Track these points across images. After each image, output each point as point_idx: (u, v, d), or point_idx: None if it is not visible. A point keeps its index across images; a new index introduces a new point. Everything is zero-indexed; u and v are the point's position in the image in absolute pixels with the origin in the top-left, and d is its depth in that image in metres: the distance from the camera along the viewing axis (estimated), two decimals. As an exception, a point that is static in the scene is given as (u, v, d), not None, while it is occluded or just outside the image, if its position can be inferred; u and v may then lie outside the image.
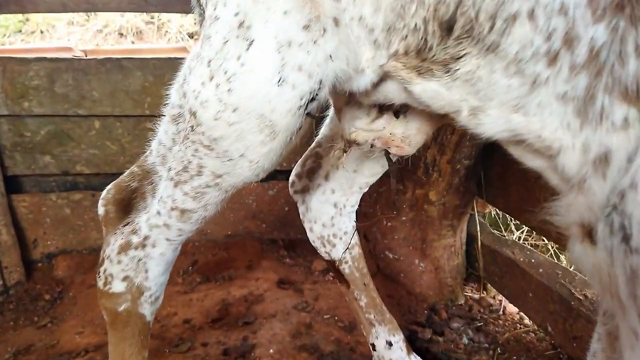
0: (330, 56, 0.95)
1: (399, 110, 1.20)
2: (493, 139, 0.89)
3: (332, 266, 1.70)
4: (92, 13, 4.33)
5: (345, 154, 1.27)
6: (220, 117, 0.99)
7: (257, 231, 2.61)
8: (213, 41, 1.00)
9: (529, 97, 0.81)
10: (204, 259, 2.50)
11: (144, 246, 1.16)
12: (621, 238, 0.66)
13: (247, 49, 0.95)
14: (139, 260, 1.16)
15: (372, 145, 1.21)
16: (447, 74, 0.88)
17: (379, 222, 2.21)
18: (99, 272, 1.21)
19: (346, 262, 1.66)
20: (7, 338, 1.98)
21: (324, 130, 1.62)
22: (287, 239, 2.63)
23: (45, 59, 2.32)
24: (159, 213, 1.14)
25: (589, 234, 0.74)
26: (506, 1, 0.78)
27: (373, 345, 1.68)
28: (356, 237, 1.68)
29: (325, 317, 2.06)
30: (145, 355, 1.21)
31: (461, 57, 0.85)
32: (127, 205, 1.25)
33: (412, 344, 1.80)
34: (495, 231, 2.20)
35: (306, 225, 1.71)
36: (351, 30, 0.95)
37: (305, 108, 0.99)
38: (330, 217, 1.64)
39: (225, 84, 0.97)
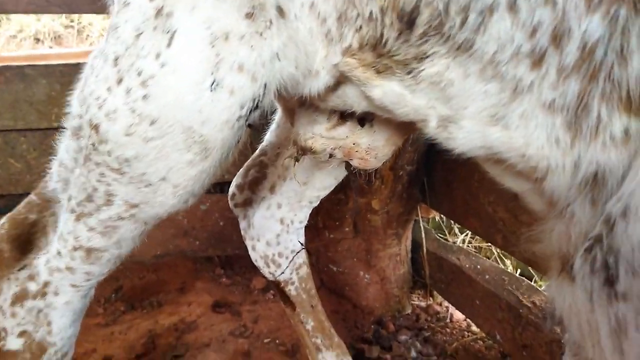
0: (277, 55, 0.78)
1: (365, 118, 1.05)
2: (467, 155, 0.76)
3: (276, 287, 1.55)
4: (5, 17, 3.90)
5: (296, 163, 1.10)
6: (133, 132, 0.79)
7: (189, 249, 2.39)
8: (122, 33, 0.80)
9: (509, 106, 0.67)
10: (129, 283, 2.26)
11: (44, 295, 0.95)
12: (604, 280, 0.55)
13: (169, 43, 0.76)
14: (39, 312, 0.95)
15: (330, 155, 1.05)
16: (409, 75, 0.74)
17: (321, 233, 2.09)
18: (-11, 327, 0.99)
19: (292, 283, 1.52)
20: None
21: (269, 136, 1.45)
22: (224, 256, 2.44)
23: None
24: (59, 253, 0.93)
25: (570, 268, 0.63)
26: None
27: (320, 372, 1.55)
28: (304, 255, 1.54)
29: (265, 341, 1.91)
30: None
31: (427, 56, 0.71)
32: (25, 242, 1.03)
33: (361, 364, 1.69)
34: (439, 236, 2.15)
35: (248, 243, 1.55)
36: (302, 23, 0.79)
37: (247, 119, 0.82)
38: (276, 234, 1.48)
39: (140, 89, 0.78)
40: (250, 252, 1.54)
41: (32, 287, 0.95)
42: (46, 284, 0.95)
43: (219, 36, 0.75)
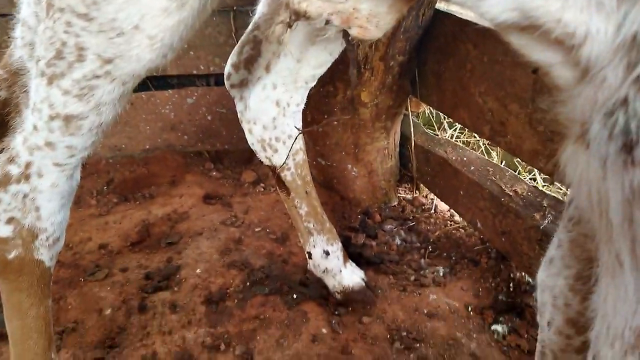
0: None
1: None
2: (497, 21, 0.65)
3: (273, 172, 1.55)
4: None
5: (289, 30, 1.01)
6: None
7: (178, 144, 2.39)
8: None
9: None
10: (120, 176, 2.28)
11: (27, 177, 0.93)
12: (621, 145, 0.51)
13: None
14: (24, 197, 0.95)
15: (327, 22, 0.96)
16: None
17: (309, 126, 2.07)
18: (-24, 214, 0.99)
19: (288, 169, 1.52)
20: None
21: (261, 7, 1.35)
22: (213, 151, 2.44)
23: None
24: (35, 128, 0.89)
25: (586, 133, 0.58)
26: None
27: (309, 254, 1.63)
28: (301, 141, 1.52)
29: (256, 230, 1.98)
30: (48, 304, 1.06)
31: None
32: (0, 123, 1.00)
33: (346, 249, 1.76)
34: (428, 130, 2.14)
35: (244, 126, 1.51)
36: None
37: None
38: (272, 117, 1.45)
39: None
40: (247, 136, 1.51)
41: (14, 170, 0.93)
42: (28, 165, 0.92)
43: None
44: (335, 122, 1.97)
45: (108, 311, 1.59)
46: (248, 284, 1.69)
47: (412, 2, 0.99)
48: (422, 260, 1.87)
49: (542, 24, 0.60)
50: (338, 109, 1.94)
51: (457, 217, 2.06)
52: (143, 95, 2.26)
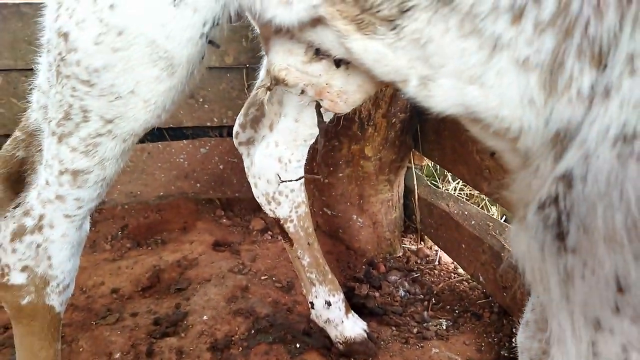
0: None
1: (341, 60, 1.02)
2: (445, 114, 0.75)
3: (277, 224, 1.62)
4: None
5: (268, 92, 1.12)
6: (101, 42, 0.82)
7: (191, 191, 2.48)
8: None
9: (487, 64, 0.66)
10: (134, 222, 2.36)
11: (40, 228, 1.02)
12: (555, 235, 0.57)
13: None
14: (37, 247, 1.03)
15: (302, 91, 1.07)
16: (392, 31, 0.74)
17: (317, 178, 2.14)
18: (-5, 263, 1.07)
19: (291, 221, 1.59)
20: None
21: (263, 73, 1.46)
22: (224, 198, 2.53)
23: None
24: (47, 182, 0.98)
25: (525, 218, 0.66)
26: None
27: (312, 304, 1.66)
28: (303, 195, 1.60)
29: (262, 278, 2.02)
30: (58, 347, 1.12)
31: (409, 9, 0.70)
32: (16, 181, 1.08)
33: (350, 300, 1.80)
34: (432, 183, 2.20)
35: (250, 181, 1.60)
36: None
37: (207, 36, 0.85)
38: (275, 173, 1.53)
39: None
40: (253, 190, 1.60)
41: (29, 222, 1.02)
42: (41, 217, 1.01)
43: None
44: (340, 175, 2.04)
45: (117, 355, 1.63)
46: (253, 331, 1.72)
47: (379, 87, 1.08)
48: (425, 313, 1.89)
49: (483, 118, 0.68)
50: (343, 162, 2.02)
51: (460, 270, 2.08)
52: (159, 145, 2.37)
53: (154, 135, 2.39)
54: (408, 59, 0.74)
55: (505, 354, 1.70)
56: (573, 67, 0.60)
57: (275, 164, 1.49)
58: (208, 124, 2.37)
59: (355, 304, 1.83)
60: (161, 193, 2.45)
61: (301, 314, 1.83)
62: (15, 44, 2.10)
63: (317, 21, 0.87)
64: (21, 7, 2.07)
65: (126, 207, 2.43)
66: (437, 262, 2.15)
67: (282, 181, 1.45)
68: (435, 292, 1.99)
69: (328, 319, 1.64)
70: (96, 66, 0.84)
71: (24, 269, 1.04)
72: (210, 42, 0.86)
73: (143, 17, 0.80)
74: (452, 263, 2.12)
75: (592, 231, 0.54)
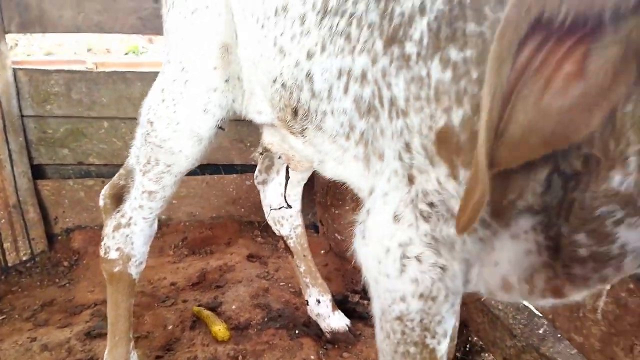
0: (234, 100, 1.47)
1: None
2: (333, 180, 1.33)
3: (282, 240, 2.24)
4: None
5: (260, 156, 1.77)
6: (168, 126, 1.51)
7: (237, 214, 3.15)
8: (166, 76, 1.52)
9: (343, 156, 1.22)
10: (192, 236, 3.05)
11: (129, 225, 1.69)
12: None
13: (185, 86, 1.47)
14: (127, 236, 1.70)
15: (280, 157, 1.72)
16: (302, 137, 1.34)
17: (329, 209, 2.74)
18: (101, 245, 1.75)
19: (291, 238, 2.20)
20: (35, 294, 2.57)
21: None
22: (262, 222, 3.16)
23: (63, 70, 2.86)
24: (135, 198, 1.65)
25: None
26: (320, 103, 1.20)
27: (307, 301, 2.23)
28: (300, 219, 2.21)
29: (281, 284, 2.61)
30: (132, 301, 1.78)
31: (305, 129, 1.31)
32: (119, 198, 1.77)
33: (344, 305, 2.34)
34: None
35: (265, 209, 2.25)
36: (252, 88, 1.46)
37: (218, 126, 1.52)
38: (278, 204, 2.17)
39: (172, 107, 1.49)
40: (266, 215, 2.24)
41: (123, 221, 1.69)
42: (130, 218, 1.68)
43: (210, 88, 1.44)
44: (347, 207, 2.62)
45: (170, 327, 2.28)
46: (266, 319, 2.31)
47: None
48: (404, 320, 2.38)
49: (347, 183, 1.33)
50: (349, 198, 2.60)
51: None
52: (215, 177, 3.07)
53: (212, 169, 3.10)
54: (311, 151, 1.35)
55: (459, 356, 2.17)
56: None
57: (280, 198, 2.13)
58: (252, 162, 3.04)
59: (347, 309, 2.37)
60: (214, 215, 3.14)
61: (305, 312, 2.39)
62: (119, 100, 2.89)
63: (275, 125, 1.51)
64: (126, 74, 2.87)
65: (187, 223, 3.13)
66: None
67: (273, 209, 2.09)
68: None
69: (318, 313, 2.20)
70: (164, 138, 1.52)
71: (117, 249, 1.71)
72: (220, 127, 1.52)
73: (189, 116, 1.47)
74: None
75: None
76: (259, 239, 3.07)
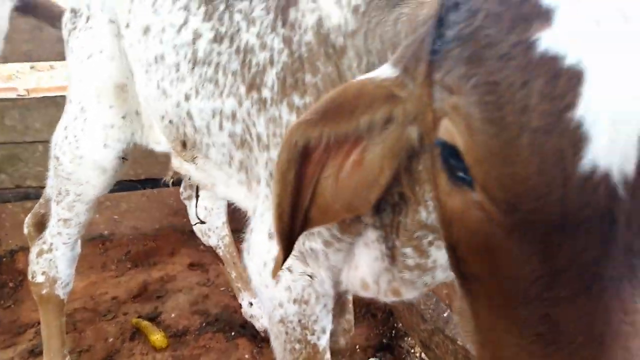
0: (133, 134, 1.60)
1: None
2: (226, 200, 1.51)
3: (212, 250, 2.38)
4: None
5: (171, 178, 1.91)
6: (72, 161, 1.64)
7: (179, 224, 3.25)
8: (69, 115, 1.64)
9: (229, 181, 1.39)
10: (135, 249, 3.15)
11: (50, 250, 1.80)
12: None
13: (85, 124, 1.59)
14: (50, 261, 1.81)
15: (189, 178, 1.85)
16: (194, 164, 1.49)
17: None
18: (29, 271, 1.86)
19: (220, 248, 2.35)
20: (-20, 318, 2.63)
21: None
22: (204, 229, 3.29)
23: (-7, 97, 2.91)
24: (53, 225, 1.77)
25: None
26: (203, 136, 1.35)
27: (241, 305, 2.38)
28: (226, 230, 2.36)
29: (221, 289, 2.75)
30: (63, 320, 1.89)
31: (196, 157, 1.46)
32: (41, 225, 1.88)
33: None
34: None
35: (192, 222, 2.39)
36: (151, 121, 1.59)
37: (122, 157, 1.65)
38: (204, 216, 2.31)
39: (75, 142, 1.62)
40: (194, 227, 2.37)
41: (45, 247, 1.80)
42: (51, 245, 1.79)
43: (108, 125, 1.57)
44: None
45: (110, 339, 2.39)
46: (204, 324, 2.45)
47: None
48: (336, 313, 2.56)
49: (236, 203, 1.48)
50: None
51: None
52: (155, 191, 3.17)
53: (152, 183, 3.19)
54: (203, 175, 1.50)
55: (384, 341, 2.35)
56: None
57: (203, 211, 2.27)
58: (189, 174, 3.15)
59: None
60: (157, 226, 3.24)
61: (242, 314, 2.54)
62: (51, 123, 2.95)
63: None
64: (56, 98, 2.94)
65: (131, 237, 3.22)
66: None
67: (195, 223, 2.23)
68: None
69: (252, 314, 2.35)
70: (70, 171, 1.64)
71: (43, 273, 1.82)
72: (123, 158, 1.64)
73: (90, 150, 1.60)
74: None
75: None
76: (202, 246, 3.17)
